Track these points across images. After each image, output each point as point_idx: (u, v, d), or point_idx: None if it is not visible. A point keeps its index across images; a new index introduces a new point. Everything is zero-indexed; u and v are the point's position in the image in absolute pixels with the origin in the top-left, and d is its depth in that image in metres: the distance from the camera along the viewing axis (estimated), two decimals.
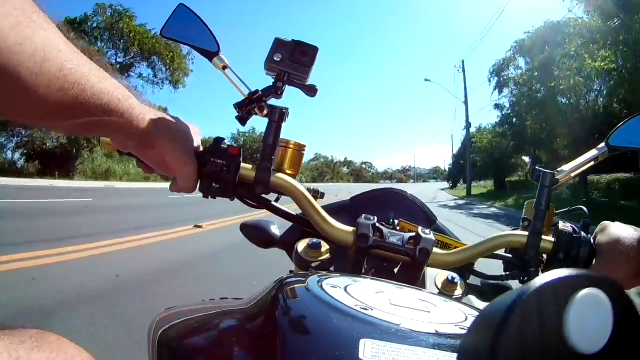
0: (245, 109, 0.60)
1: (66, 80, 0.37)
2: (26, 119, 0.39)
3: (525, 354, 0.17)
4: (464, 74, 29.89)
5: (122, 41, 20.45)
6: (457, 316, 0.38)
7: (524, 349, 0.17)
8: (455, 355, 0.20)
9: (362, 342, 0.29)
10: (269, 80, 0.61)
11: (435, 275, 0.63)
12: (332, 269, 0.61)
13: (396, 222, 0.66)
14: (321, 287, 0.39)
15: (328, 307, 0.34)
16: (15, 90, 0.34)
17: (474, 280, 0.71)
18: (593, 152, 0.67)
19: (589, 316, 0.18)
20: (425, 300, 0.41)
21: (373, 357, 0.28)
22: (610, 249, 0.57)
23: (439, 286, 0.61)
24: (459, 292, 0.61)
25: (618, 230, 0.58)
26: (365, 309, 0.35)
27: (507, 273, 0.66)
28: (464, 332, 0.33)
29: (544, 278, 0.18)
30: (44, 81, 0.35)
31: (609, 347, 0.18)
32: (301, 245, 0.61)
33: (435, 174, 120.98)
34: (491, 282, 0.70)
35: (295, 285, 0.42)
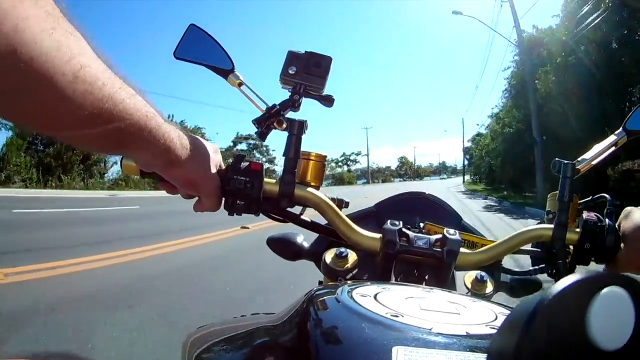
0: (264, 124, 0.60)
1: (101, 92, 0.35)
2: (55, 131, 0.37)
3: (549, 352, 0.18)
4: None
5: None
6: (487, 316, 0.38)
7: (548, 348, 0.18)
8: (485, 356, 0.21)
9: (394, 349, 0.29)
10: (284, 94, 0.61)
11: (464, 275, 0.63)
12: (361, 277, 0.61)
13: (422, 225, 0.66)
14: (351, 297, 0.39)
15: (359, 317, 0.35)
16: (49, 98, 0.32)
17: (503, 277, 0.71)
18: (611, 138, 0.66)
19: (611, 314, 0.19)
20: (454, 302, 0.41)
21: None
22: (635, 235, 0.57)
23: (468, 286, 0.61)
24: (488, 290, 0.61)
25: None
26: (396, 316, 0.35)
27: (536, 267, 0.66)
28: (495, 331, 0.33)
29: (565, 281, 0.18)
30: (80, 91, 0.33)
31: (632, 342, 0.19)
32: (329, 256, 0.61)
33: (443, 170, 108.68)
34: (520, 277, 0.70)
35: (326, 297, 0.43)
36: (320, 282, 0.70)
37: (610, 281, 0.19)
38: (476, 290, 0.60)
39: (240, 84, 0.61)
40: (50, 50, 0.30)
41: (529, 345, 0.18)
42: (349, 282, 0.49)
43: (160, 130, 0.46)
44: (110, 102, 0.37)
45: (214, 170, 0.56)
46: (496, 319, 0.38)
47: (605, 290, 0.19)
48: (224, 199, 0.59)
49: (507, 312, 0.40)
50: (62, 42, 0.31)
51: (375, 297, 0.40)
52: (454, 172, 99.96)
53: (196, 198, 0.59)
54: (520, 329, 0.18)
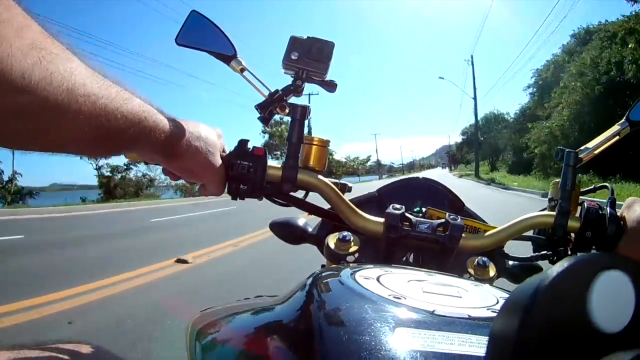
0: (267, 109, 0.60)
1: (95, 106, 0.37)
2: (55, 149, 0.39)
3: (550, 334, 0.18)
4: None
5: None
6: (489, 299, 0.39)
7: (549, 330, 0.18)
8: (487, 338, 0.21)
9: (397, 330, 0.30)
10: (287, 80, 0.61)
11: (466, 260, 0.63)
12: (363, 260, 0.62)
13: (424, 210, 0.66)
14: (354, 279, 0.40)
15: (362, 299, 0.35)
16: (48, 123, 0.34)
17: (505, 263, 0.71)
18: (614, 129, 0.66)
19: (611, 296, 0.19)
20: (456, 286, 0.41)
21: (409, 344, 0.28)
22: (636, 225, 0.57)
23: (471, 270, 0.61)
24: (490, 275, 0.61)
25: None
26: (399, 298, 0.35)
27: (537, 254, 0.66)
28: (495, 314, 0.33)
29: (564, 262, 0.19)
30: (76, 109, 0.35)
31: (632, 324, 0.19)
32: (331, 240, 0.62)
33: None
34: (522, 263, 0.71)
35: (329, 279, 0.43)
36: (322, 267, 0.70)
37: (610, 263, 0.19)
38: (478, 275, 0.61)
39: (242, 70, 0.61)
40: (41, 81, 0.31)
41: (530, 328, 0.18)
42: (351, 264, 0.49)
43: (158, 127, 0.47)
44: (106, 113, 0.38)
45: (217, 156, 0.57)
46: (497, 302, 0.38)
47: (605, 272, 0.19)
48: (227, 183, 0.59)
49: (508, 295, 0.40)
50: (51, 69, 0.32)
51: (378, 279, 0.40)
52: (389, 170, 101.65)
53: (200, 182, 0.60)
54: (521, 311, 0.18)
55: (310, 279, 0.44)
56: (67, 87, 0.33)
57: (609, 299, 0.19)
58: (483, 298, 0.39)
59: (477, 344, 0.29)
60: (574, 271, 0.18)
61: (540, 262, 0.69)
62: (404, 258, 0.61)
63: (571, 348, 0.18)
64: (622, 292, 0.19)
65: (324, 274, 0.45)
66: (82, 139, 0.39)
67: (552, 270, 0.18)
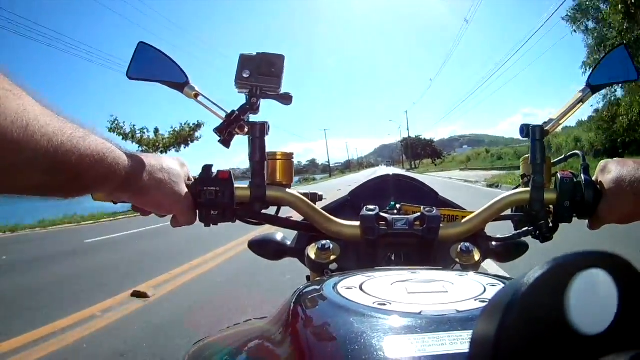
0: (226, 131, 0.60)
1: (53, 143, 0.36)
2: (12, 191, 0.38)
3: (529, 339, 0.18)
4: None
5: None
6: (475, 289, 0.38)
7: (528, 335, 0.18)
8: None
9: (386, 339, 0.29)
10: (242, 99, 0.61)
11: (450, 248, 0.63)
12: (346, 265, 0.62)
13: (398, 206, 0.66)
14: (337, 291, 0.39)
15: (347, 312, 0.34)
16: (3, 160, 0.33)
17: (488, 244, 0.71)
18: (577, 96, 0.66)
19: (593, 296, 0.18)
20: (441, 280, 0.41)
21: (399, 353, 0.28)
22: (613, 186, 0.57)
23: (455, 258, 0.62)
24: (476, 259, 0.61)
25: (618, 165, 0.58)
26: (384, 304, 0.35)
27: (519, 231, 0.66)
28: (484, 305, 0.33)
29: (540, 268, 0.18)
30: (32, 148, 0.34)
31: (615, 325, 0.18)
32: (311, 250, 0.62)
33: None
34: (506, 242, 0.71)
35: (312, 295, 0.43)
36: (307, 277, 0.71)
37: (590, 262, 0.18)
38: (464, 262, 0.61)
39: (196, 95, 0.60)
40: None
41: (509, 333, 0.18)
42: (334, 275, 0.49)
43: (119, 164, 0.46)
44: (65, 150, 0.38)
45: (182, 185, 0.56)
46: (485, 291, 0.38)
47: (584, 272, 0.18)
48: (197, 211, 0.58)
49: (495, 282, 0.41)
50: (6, 105, 0.32)
51: (360, 287, 0.40)
52: (324, 170, 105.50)
53: (171, 215, 0.58)
54: (500, 317, 0.18)
55: (295, 296, 0.43)
56: (23, 124, 0.33)
57: (590, 299, 0.18)
58: (469, 288, 0.39)
59: (469, 340, 0.30)
60: (549, 276, 0.18)
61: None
62: (387, 257, 0.61)
63: (550, 352, 0.18)
64: (604, 292, 0.18)
65: (306, 290, 0.44)
66: (43, 179, 0.38)
67: (530, 275, 0.18)
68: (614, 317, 0.18)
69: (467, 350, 0.26)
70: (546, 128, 0.64)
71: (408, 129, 71.05)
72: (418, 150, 70.99)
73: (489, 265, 2.35)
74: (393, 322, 0.32)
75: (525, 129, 0.64)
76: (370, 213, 0.58)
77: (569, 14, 17.87)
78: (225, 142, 0.61)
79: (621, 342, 0.19)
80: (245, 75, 0.59)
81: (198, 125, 18.11)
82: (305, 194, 0.64)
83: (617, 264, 0.19)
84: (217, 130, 0.60)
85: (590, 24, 17.43)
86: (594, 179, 0.61)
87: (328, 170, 77.96)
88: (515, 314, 0.18)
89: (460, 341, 0.28)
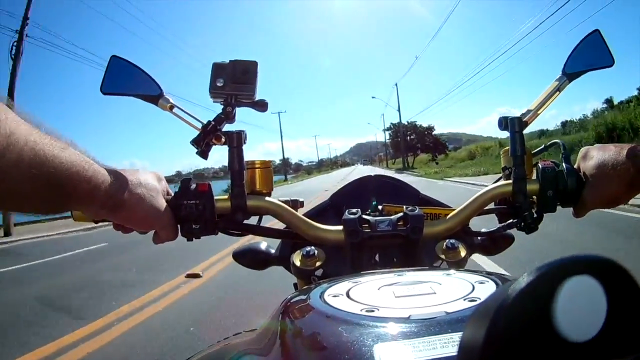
0: (203, 142, 0.59)
1: (35, 152, 0.37)
2: None
3: (517, 348, 0.18)
4: None
5: None
6: (464, 288, 0.38)
7: (516, 344, 0.18)
8: None
9: (376, 347, 0.28)
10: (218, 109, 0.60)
11: (435, 246, 0.63)
12: (333, 271, 0.61)
13: (380, 207, 0.66)
14: (324, 300, 0.39)
15: (335, 321, 0.34)
16: None
17: (474, 239, 0.72)
18: (553, 84, 0.65)
19: (581, 303, 0.18)
20: (428, 281, 0.40)
21: None
22: (597, 172, 0.57)
23: (442, 255, 0.61)
24: (462, 255, 0.61)
25: (600, 151, 0.58)
26: (372, 311, 0.34)
27: (504, 224, 0.66)
28: (473, 304, 0.33)
29: (529, 273, 0.18)
30: (15, 158, 0.35)
31: (603, 332, 0.18)
32: (296, 257, 0.61)
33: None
34: (492, 236, 0.71)
35: (299, 306, 0.42)
36: (295, 285, 0.70)
37: (578, 269, 0.18)
38: (450, 258, 0.61)
39: (171, 107, 0.60)
40: None
41: (495, 342, 0.17)
42: (320, 282, 0.48)
43: (98, 177, 0.46)
44: (46, 159, 0.38)
45: (161, 200, 0.55)
46: (473, 289, 0.37)
47: (572, 279, 0.18)
48: (179, 226, 0.57)
49: (483, 279, 0.40)
50: None
51: (347, 294, 0.39)
52: (297, 169, 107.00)
53: (152, 232, 0.57)
54: (486, 326, 0.18)
55: (282, 307, 0.43)
56: (6, 132, 0.34)
57: (578, 306, 0.18)
58: (457, 288, 0.38)
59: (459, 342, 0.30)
60: (539, 281, 0.18)
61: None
62: (372, 260, 0.60)
63: (538, 359, 0.18)
64: (593, 298, 0.18)
65: (293, 301, 0.43)
66: (23, 191, 0.38)
67: (518, 281, 0.18)
68: (602, 323, 0.18)
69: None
70: (524, 119, 0.64)
71: (399, 109, 45.30)
72: (414, 142, 49.03)
73: (477, 257, 2.36)
74: (382, 329, 0.31)
75: (504, 122, 0.64)
76: (353, 216, 0.58)
77: None
78: (203, 153, 0.60)
79: (609, 349, 0.18)
80: (219, 84, 0.58)
81: None
82: (286, 202, 0.63)
83: (606, 269, 0.19)
84: (194, 142, 0.59)
85: None
86: (575, 166, 0.61)
87: (283, 172, 64.07)
88: (503, 322, 0.18)
89: (451, 344, 0.28)
